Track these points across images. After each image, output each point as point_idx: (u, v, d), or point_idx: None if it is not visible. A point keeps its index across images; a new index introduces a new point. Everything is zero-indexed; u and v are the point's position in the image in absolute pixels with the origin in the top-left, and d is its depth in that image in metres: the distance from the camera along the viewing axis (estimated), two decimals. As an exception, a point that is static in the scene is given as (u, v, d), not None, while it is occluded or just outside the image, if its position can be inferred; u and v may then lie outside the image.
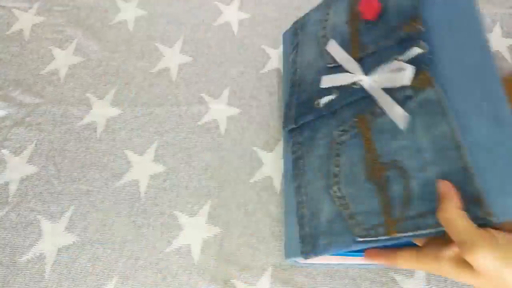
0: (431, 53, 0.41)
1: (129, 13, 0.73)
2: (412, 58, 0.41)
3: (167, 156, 0.58)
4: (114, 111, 0.63)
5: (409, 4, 0.44)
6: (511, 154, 0.34)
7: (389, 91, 0.42)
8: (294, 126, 0.52)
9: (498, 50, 0.63)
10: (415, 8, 0.43)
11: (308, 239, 0.45)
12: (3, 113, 0.64)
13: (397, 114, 0.40)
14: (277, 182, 0.56)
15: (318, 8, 0.57)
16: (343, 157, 0.45)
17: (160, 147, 0.59)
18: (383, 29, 0.46)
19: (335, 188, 0.45)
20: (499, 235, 0.31)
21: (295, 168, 0.50)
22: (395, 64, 0.42)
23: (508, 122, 0.34)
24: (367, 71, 0.45)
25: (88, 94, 0.65)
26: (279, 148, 0.58)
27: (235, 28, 0.69)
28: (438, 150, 0.37)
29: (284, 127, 0.54)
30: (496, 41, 0.64)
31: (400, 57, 0.42)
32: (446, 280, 0.47)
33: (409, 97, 0.40)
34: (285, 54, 0.61)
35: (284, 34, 0.63)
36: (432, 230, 0.36)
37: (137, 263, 0.52)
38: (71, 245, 0.53)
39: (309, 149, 0.49)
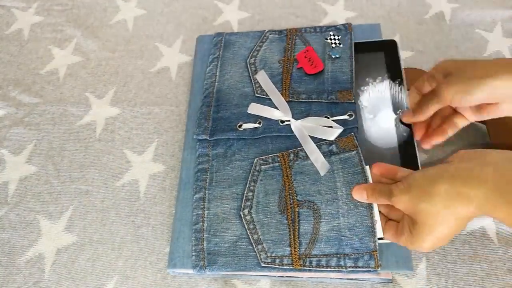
0: (356, 122, 0.49)
1: (128, 12, 0.73)
2: (340, 120, 0.49)
3: (166, 156, 0.58)
4: (114, 111, 0.63)
5: (344, 77, 0.53)
6: None
7: (313, 140, 0.49)
8: (207, 138, 0.53)
9: (498, 50, 0.63)
10: (349, 82, 0.52)
11: (203, 254, 0.47)
12: (2, 113, 0.64)
13: (320, 162, 0.47)
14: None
15: (249, 36, 0.60)
16: (259, 184, 0.49)
17: (159, 146, 0.59)
18: (316, 87, 0.53)
19: (245, 211, 0.47)
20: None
21: (199, 179, 0.51)
22: (325, 120, 0.49)
23: None
24: (294, 115, 0.51)
25: (87, 94, 0.65)
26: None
27: (235, 27, 0.69)
28: (353, 205, 0.44)
29: (195, 135, 0.53)
30: (497, 41, 0.64)
31: (331, 117, 0.49)
32: (447, 280, 0.47)
33: (334, 153, 0.48)
34: (200, 59, 0.61)
35: (201, 38, 0.63)
36: (334, 270, 0.42)
37: (137, 263, 0.51)
38: (71, 245, 0.53)
39: (221, 166, 0.51)
